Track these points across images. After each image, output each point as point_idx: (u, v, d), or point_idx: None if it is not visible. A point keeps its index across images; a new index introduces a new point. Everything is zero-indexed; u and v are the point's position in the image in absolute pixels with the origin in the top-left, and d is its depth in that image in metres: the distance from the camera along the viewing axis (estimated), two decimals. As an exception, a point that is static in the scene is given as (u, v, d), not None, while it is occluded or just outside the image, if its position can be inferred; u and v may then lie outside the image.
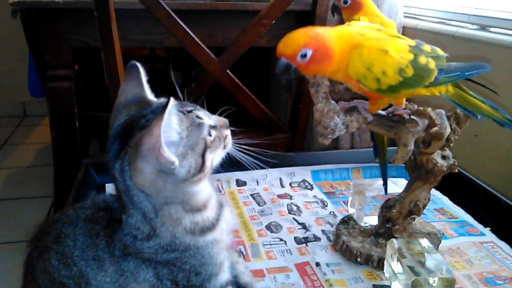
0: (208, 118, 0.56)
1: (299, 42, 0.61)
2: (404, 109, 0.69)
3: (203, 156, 0.54)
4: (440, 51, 0.66)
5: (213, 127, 0.56)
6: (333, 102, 0.62)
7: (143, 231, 0.54)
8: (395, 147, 0.68)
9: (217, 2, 1.53)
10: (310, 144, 1.68)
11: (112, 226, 0.55)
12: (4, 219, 2.07)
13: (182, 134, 0.52)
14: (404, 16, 1.63)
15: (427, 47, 0.65)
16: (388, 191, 0.86)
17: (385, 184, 0.86)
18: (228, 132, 0.59)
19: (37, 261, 0.56)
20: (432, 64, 0.64)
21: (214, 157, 0.57)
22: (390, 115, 0.66)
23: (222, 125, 0.58)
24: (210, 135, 0.55)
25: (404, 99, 0.67)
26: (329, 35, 0.62)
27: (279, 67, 0.62)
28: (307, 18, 1.44)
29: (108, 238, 0.54)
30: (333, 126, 0.61)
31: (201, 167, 0.54)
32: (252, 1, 1.64)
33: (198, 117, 0.55)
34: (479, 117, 0.69)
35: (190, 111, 0.55)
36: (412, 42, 0.65)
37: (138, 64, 0.59)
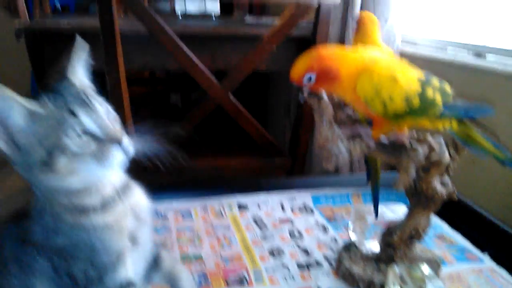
0: (92, 122, 0.51)
1: (302, 68, 0.65)
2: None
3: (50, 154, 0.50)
4: (447, 87, 0.68)
5: (91, 134, 0.51)
6: (337, 128, 0.64)
7: (36, 210, 0.54)
8: (388, 171, 0.69)
9: (219, 28, 1.57)
10: (310, 168, 1.69)
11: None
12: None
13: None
14: (402, 42, 1.67)
15: (435, 82, 0.67)
16: (387, 215, 0.87)
17: (376, 207, 0.87)
18: (116, 148, 0.53)
19: None
20: (438, 98, 0.66)
21: (80, 167, 0.51)
22: (392, 142, 0.68)
23: (111, 137, 0.52)
24: (75, 138, 0.50)
25: (407, 129, 0.69)
26: (336, 56, 0.65)
27: (297, 91, 0.67)
28: (307, 44, 1.47)
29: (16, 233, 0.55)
30: (336, 152, 0.62)
31: (48, 164, 0.50)
32: (252, 27, 1.68)
33: (71, 112, 0.51)
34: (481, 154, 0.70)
35: (61, 107, 0.51)
36: (422, 75, 0.67)
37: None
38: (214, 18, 2.05)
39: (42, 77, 1.57)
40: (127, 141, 0.54)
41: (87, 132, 0.51)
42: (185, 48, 1.23)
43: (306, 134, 1.40)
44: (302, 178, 1.30)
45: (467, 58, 1.43)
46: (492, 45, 1.40)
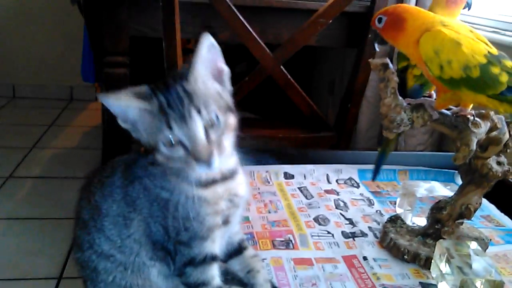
0: (184, 137, 0.54)
1: (381, 10, 0.69)
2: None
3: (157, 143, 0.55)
4: None
5: (183, 145, 0.54)
6: (400, 98, 0.64)
7: (149, 160, 0.59)
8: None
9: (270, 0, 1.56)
10: (355, 144, 1.69)
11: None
12: (48, 196, 2.16)
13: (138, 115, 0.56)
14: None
15: (508, 62, 0.66)
16: (439, 194, 0.87)
17: (376, 171, 0.90)
18: (200, 166, 0.54)
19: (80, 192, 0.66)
20: (504, 77, 0.64)
21: (175, 163, 0.56)
22: (455, 115, 0.68)
23: (197, 157, 0.54)
24: (165, 145, 0.55)
25: (471, 104, 0.69)
26: (411, 10, 0.68)
27: (371, 34, 0.72)
28: (362, 20, 1.45)
29: (125, 172, 0.62)
30: (399, 121, 0.63)
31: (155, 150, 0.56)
32: (305, 0, 1.67)
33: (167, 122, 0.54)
34: None
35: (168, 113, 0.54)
36: (495, 51, 0.66)
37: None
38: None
39: (96, 40, 1.62)
40: (214, 160, 0.54)
41: (178, 142, 0.54)
42: (240, 17, 1.24)
43: (354, 109, 1.40)
44: (349, 152, 1.30)
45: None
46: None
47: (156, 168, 0.59)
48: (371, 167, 1.12)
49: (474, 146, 0.65)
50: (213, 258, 0.62)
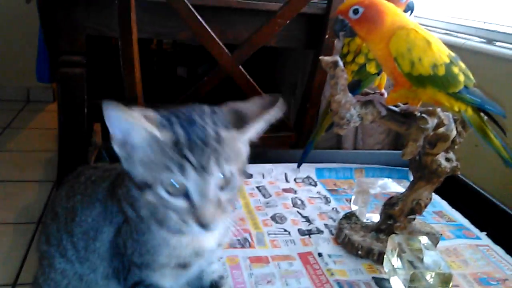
0: (195, 189, 0.47)
1: (353, 1, 0.68)
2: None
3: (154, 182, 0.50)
4: (471, 75, 0.71)
5: (187, 194, 0.47)
6: (350, 94, 0.65)
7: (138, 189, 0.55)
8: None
9: (231, 0, 1.56)
10: (315, 144, 1.71)
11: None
12: (3, 200, 2.09)
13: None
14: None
15: (462, 64, 0.70)
16: (392, 190, 0.89)
17: (301, 160, 0.98)
18: (199, 229, 0.49)
19: (57, 190, 0.65)
20: (461, 77, 0.68)
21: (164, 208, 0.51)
22: (403, 112, 0.70)
23: (200, 221, 0.47)
24: (164, 189, 0.48)
25: (420, 102, 0.71)
26: (386, 5, 0.68)
27: (335, 23, 0.69)
28: (319, 21, 1.47)
29: (111, 188, 0.58)
30: (349, 117, 0.64)
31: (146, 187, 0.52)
32: (265, 1, 1.67)
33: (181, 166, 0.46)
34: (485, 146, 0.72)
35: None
36: (452, 53, 0.70)
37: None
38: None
39: (51, 39, 1.58)
40: (215, 224, 0.48)
41: (183, 192, 0.47)
42: (198, 17, 1.24)
43: (312, 109, 1.41)
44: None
45: (477, 43, 1.43)
46: (502, 30, 1.40)
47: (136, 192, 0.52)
48: (328, 165, 1.14)
49: (421, 141, 0.67)
50: None
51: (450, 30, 1.60)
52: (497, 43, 1.39)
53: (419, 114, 0.68)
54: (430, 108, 0.69)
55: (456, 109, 0.70)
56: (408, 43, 0.65)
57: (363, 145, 1.56)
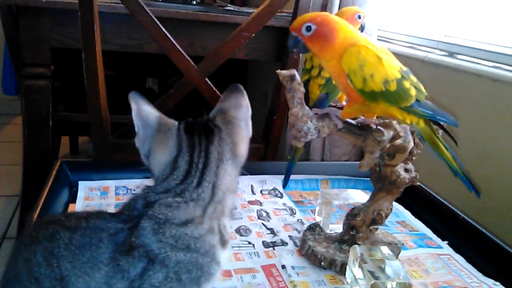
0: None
1: (306, 17, 0.68)
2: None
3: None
4: (422, 88, 0.72)
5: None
6: (307, 107, 0.66)
7: (185, 214, 0.52)
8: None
9: (199, 13, 1.57)
10: (282, 155, 1.72)
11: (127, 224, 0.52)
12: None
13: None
14: (378, 39, 1.70)
15: (413, 78, 0.71)
16: (355, 201, 0.90)
17: (286, 179, 0.96)
18: None
19: (23, 249, 0.54)
20: (413, 91, 0.69)
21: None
22: (359, 124, 0.71)
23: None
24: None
25: (375, 116, 0.72)
26: (338, 22, 0.69)
27: (289, 40, 0.69)
28: (286, 34, 1.49)
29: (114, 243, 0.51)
30: (306, 130, 0.64)
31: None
32: (233, 13, 1.69)
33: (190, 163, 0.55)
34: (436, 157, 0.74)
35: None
36: (404, 67, 0.71)
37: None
38: (194, 3, 2.05)
39: (15, 51, 1.55)
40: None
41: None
42: (163, 29, 1.24)
43: (280, 120, 1.42)
44: (274, 163, 1.32)
45: (439, 56, 1.47)
46: (463, 44, 1.44)
47: (191, 228, 0.51)
48: (294, 177, 1.14)
49: (377, 153, 0.68)
50: None
51: (412, 43, 1.63)
52: (459, 56, 1.43)
53: (375, 126, 0.69)
54: (386, 121, 0.70)
55: (408, 121, 0.71)
56: (359, 60, 0.66)
57: (331, 156, 1.58)
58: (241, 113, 0.60)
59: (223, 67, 1.44)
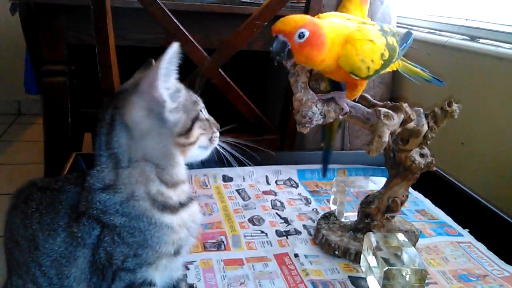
0: (205, 112, 0.62)
1: (299, 21, 0.61)
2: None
3: (193, 122, 0.58)
4: (392, 28, 0.71)
5: (206, 119, 0.61)
6: (311, 92, 0.64)
7: (104, 180, 0.55)
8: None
9: (213, 5, 1.56)
10: (300, 146, 1.70)
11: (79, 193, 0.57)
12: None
13: (179, 94, 0.57)
14: (397, 26, 1.66)
15: (386, 27, 0.69)
16: (368, 189, 0.88)
17: (324, 168, 0.92)
18: (217, 132, 0.63)
19: (9, 214, 0.59)
20: (395, 42, 0.68)
21: (200, 140, 0.60)
22: (370, 104, 0.69)
23: (213, 123, 0.63)
24: (202, 113, 0.60)
25: None
26: (323, 24, 0.64)
27: (275, 44, 0.61)
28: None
29: (69, 206, 0.56)
30: (311, 115, 0.62)
31: (187, 131, 0.57)
32: (248, 5, 1.67)
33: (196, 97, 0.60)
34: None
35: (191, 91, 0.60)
36: (377, 25, 0.68)
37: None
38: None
39: (35, 49, 1.57)
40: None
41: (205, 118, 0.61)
42: (174, 19, 1.23)
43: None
44: (289, 153, 1.31)
45: (460, 41, 1.42)
46: (484, 27, 1.39)
47: (111, 193, 0.55)
48: (310, 167, 1.13)
49: (387, 137, 0.65)
50: (151, 285, 0.58)
51: (433, 29, 1.59)
52: (480, 40, 1.38)
53: (383, 109, 0.67)
54: (397, 104, 0.68)
55: (395, 68, 0.73)
56: (359, 55, 0.63)
57: (351, 146, 1.55)
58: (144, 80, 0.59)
59: (244, 61, 1.42)
